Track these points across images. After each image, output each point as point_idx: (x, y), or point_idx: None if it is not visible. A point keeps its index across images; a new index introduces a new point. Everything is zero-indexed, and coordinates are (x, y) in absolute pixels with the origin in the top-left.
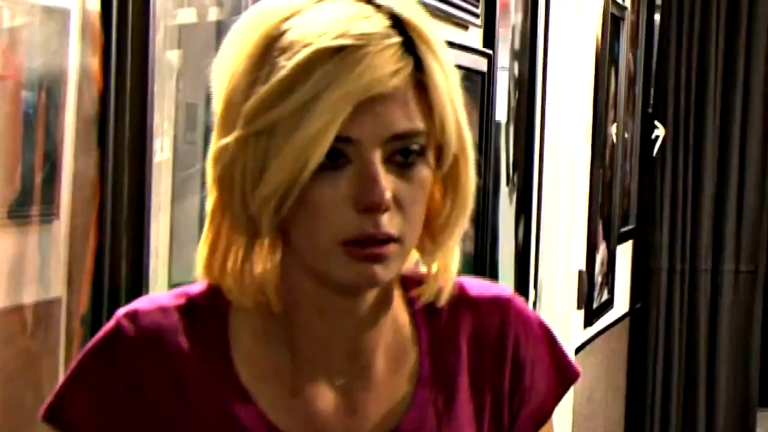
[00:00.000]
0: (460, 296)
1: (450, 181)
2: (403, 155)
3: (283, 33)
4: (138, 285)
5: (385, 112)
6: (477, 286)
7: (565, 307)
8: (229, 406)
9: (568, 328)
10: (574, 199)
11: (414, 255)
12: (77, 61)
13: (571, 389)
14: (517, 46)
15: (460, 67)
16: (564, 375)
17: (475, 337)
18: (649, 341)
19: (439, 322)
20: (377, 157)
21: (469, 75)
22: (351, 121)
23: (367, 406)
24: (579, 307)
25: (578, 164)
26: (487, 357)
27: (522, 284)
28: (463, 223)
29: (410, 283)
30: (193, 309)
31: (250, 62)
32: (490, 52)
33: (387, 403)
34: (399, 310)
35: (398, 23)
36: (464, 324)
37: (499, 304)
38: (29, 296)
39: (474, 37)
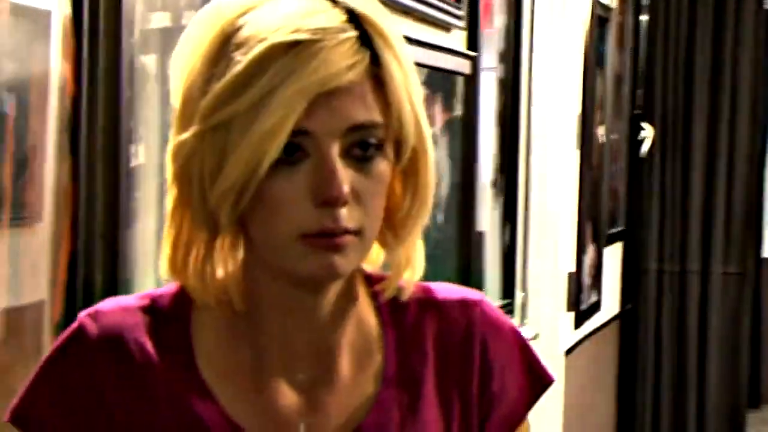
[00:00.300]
0: (427, 298)
1: (410, 175)
2: (361, 148)
3: (238, 29)
4: (113, 292)
5: (342, 105)
6: (445, 289)
7: (555, 309)
8: (190, 403)
9: (558, 331)
10: (562, 201)
11: (379, 258)
12: (53, 65)
13: (561, 391)
14: (502, 48)
15: (442, 70)
16: (536, 380)
17: (441, 339)
18: (639, 342)
19: (406, 323)
20: (335, 150)
21: (451, 77)
22: (307, 114)
23: (330, 405)
24: (569, 310)
25: (566, 166)
26: (454, 358)
27: (508, 287)
28: (425, 217)
29: (375, 281)
30: (156, 309)
31: (207, 58)
32: (474, 54)
33: (350, 402)
34: (365, 310)
35: (354, 18)
36: (430, 325)
37: (465, 305)
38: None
39: (457, 39)
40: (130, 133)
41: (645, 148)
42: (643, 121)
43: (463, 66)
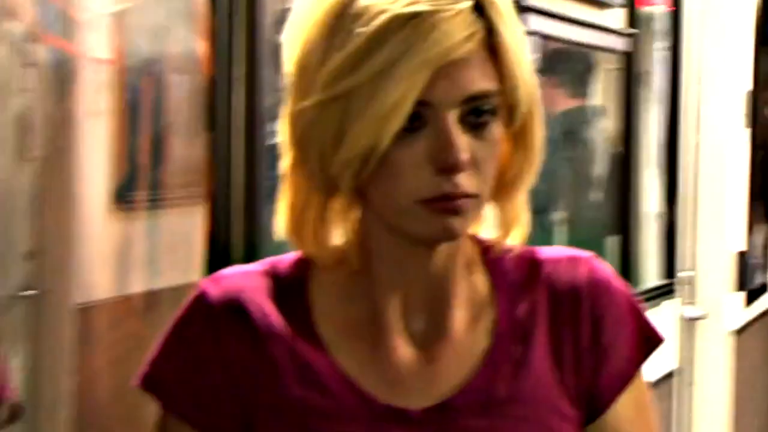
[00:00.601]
0: (535, 257)
1: (520, 137)
2: (476, 115)
3: None
4: None
5: (460, 76)
6: (553, 249)
7: (722, 289)
8: (307, 359)
9: (725, 310)
10: (732, 180)
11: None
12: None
13: (731, 370)
14: (660, 25)
15: (599, 48)
16: (647, 339)
17: (551, 294)
18: None
19: (515, 280)
20: (453, 118)
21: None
22: (428, 86)
23: (444, 358)
24: (737, 289)
25: (736, 144)
26: (564, 313)
27: (670, 267)
28: (533, 177)
29: (485, 242)
30: (276, 272)
31: (324, 28)
32: (635, 31)
33: (464, 355)
34: (476, 267)
35: None
36: (539, 282)
37: (574, 262)
38: (138, 285)
39: (614, 17)
40: (268, 112)
41: None
42: None
43: (622, 44)
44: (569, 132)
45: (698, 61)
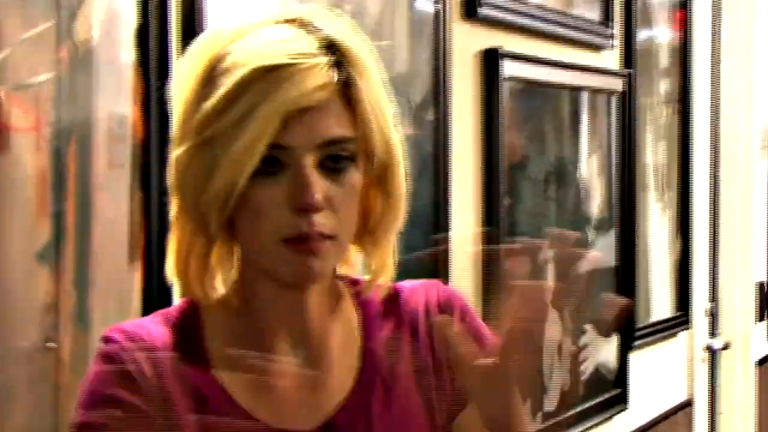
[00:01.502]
0: (397, 292)
1: (381, 184)
2: (333, 160)
3: (226, 55)
4: None
5: (316, 122)
6: (411, 281)
7: (746, 319)
8: (204, 391)
9: (750, 341)
10: (752, 209)
11: (357, 262)
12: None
13: (754, 401)
14: (663, 63)
15: (593, 89)
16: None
17: (411, 316)
18: None
19: (381, 310)
20: (309, 162)
21: (603, 96)
22: (283, 130)
23: (326, 384)
24: (760, 319)
25: (755, 174)
26: (422, 327)
27: (683, 299)
28: (398, 223)
29: (355, 283)
30: (168, 317)
31: (199, 81)
32: (630, 71)
33: (341, 380)
34: (348, 307)
35: (329, 44)
36: (400, 305)
37: (426, 286)
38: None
39: (609, 58)
40: None
41: None
42: None
43: (616, 84)
44: (558, 173)
45: (708, 94)
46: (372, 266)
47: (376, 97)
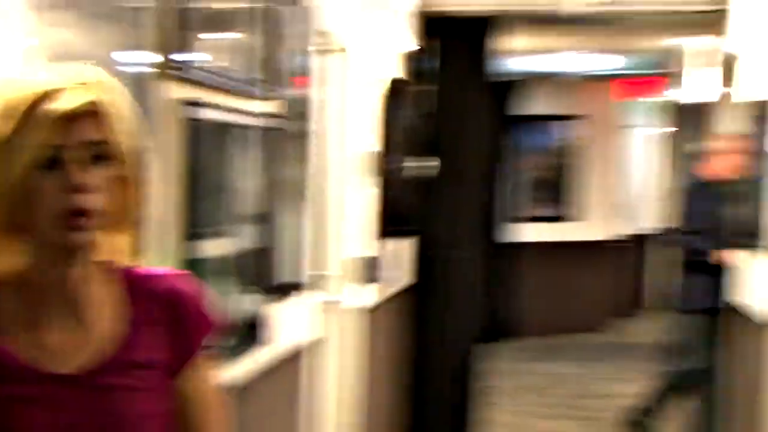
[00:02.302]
0: (150, 273)
1: (126, 182)
2: (95, 158)
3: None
4: None
5: (80, 128)
6: (160, 268)
7: (352, 281)
8: None
9: (359, 297)
10: (347, 208)
11: (123, 248)
12: None
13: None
14: (301, 109)
15: (260, 127)
16: (210, 326)
17: (154, 296)
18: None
19: (138, 286)
20: (79, 157)
21: (266, 131)
22: (59, 135)
23: (90, 338)
24: (370, 282)
25: (349, 184)
26: (162, 307)
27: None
28: (138, 214)
29: (118, 264)
30: None
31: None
32: (284, 114)
33: (103, 336)
34: (111, 279)
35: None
36: (151, 287)
37: (167, 276)
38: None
39: (271, 105)
40: None
41: (432, 173)
42: (432, 155)
43: (275, 122)
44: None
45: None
46: (122, 247)
47: (120, 112)
